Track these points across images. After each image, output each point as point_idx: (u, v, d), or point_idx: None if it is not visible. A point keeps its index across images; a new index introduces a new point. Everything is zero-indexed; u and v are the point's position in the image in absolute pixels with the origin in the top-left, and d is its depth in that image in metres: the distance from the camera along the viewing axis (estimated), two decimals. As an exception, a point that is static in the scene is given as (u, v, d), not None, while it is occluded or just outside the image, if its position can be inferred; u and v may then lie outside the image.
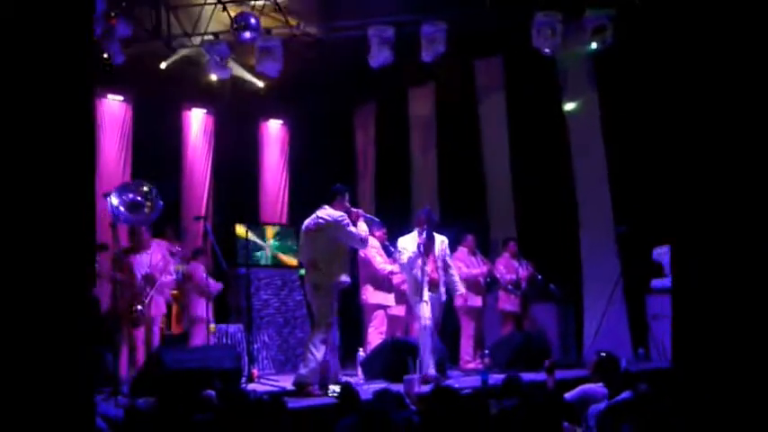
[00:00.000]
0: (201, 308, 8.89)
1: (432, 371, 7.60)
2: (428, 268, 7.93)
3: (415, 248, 7.87)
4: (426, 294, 7.80)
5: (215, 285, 9.27)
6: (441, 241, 8.20)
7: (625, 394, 5.08)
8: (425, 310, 7.77)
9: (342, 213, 7.14)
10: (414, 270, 7.86)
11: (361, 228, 7.24)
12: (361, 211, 7.41)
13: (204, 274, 9.14)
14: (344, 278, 7.15)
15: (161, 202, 7.54)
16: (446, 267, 8.23)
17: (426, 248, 7.94)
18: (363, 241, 7.28)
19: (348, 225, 7.09)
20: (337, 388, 6.14)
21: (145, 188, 7.53)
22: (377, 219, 8.17)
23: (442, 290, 8.16)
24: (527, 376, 6.54)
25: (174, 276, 8.51)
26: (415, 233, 8.05)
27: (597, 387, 5.53)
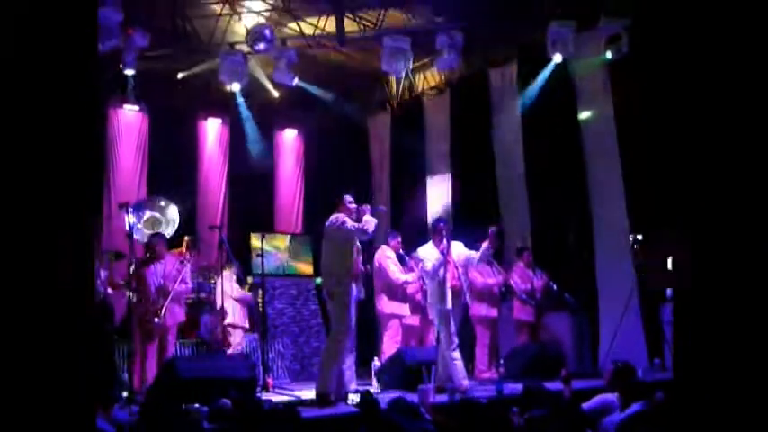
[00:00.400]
0: (239, 316, 9.28)
1: (465, 382, 7.59)
2: (449, 275, 7.85)
3: (438, 256, 7.79)
4: (450, 303, 7.74)
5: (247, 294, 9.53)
6: (457, 246, 8.09)
7: (638, 405, 5.06)
8: (447, 321, 7.72)
9: (336, 215, 7.18)
10: (437, 278, 7.78)
11: (367, 220, 7.18)
12: (366, 206, 7.38)
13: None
14: (355, 289, 7.12)
15: (177, 219, 7.64)
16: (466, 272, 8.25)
17: (446, 255, 7.82)
18: (365, 231, 7.14)
19: (344, 223, 7.07)
20: (356, 397, 6.13)
21: (162, 204, 7.63)
22: (382, 207, 8.30)
23: (466, 298, 8.14)
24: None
25: (190, 285, 8.53)
26: (431, 243, 8.00)
27: (614, 397, 5.50)
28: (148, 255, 8.18)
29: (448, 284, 7.80)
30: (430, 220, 12.41)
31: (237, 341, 9.45)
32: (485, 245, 8.04)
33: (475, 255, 8.11)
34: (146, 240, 8.40)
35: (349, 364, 7.19)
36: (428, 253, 7.92)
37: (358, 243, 7.24)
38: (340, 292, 7.04)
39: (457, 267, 7.99)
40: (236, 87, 10.83)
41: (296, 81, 10.84)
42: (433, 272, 7.81)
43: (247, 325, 9.61)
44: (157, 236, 8.26)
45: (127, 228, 7.85)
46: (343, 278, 7.04)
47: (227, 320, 9.29)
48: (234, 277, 9.27)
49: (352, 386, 7.15)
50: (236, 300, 9.24)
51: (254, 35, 9.73)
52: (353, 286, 7.09)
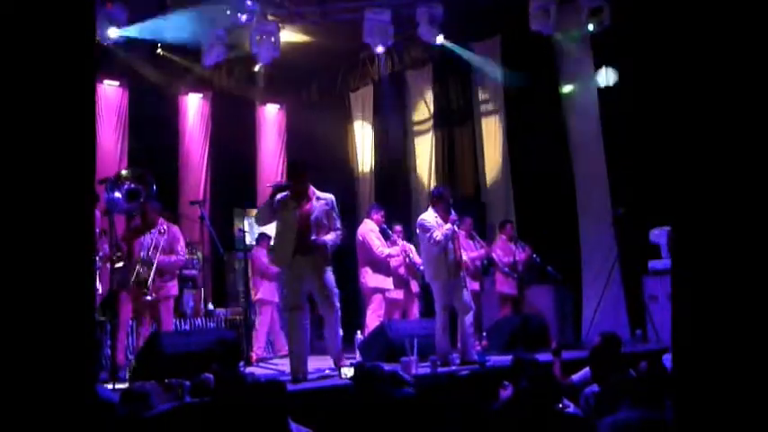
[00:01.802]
0: (267, 290, 9.37)
1: (473, 355, 7.48)
2: (457, 247, 7.62)
3: (448, 225, 7.46)
4: (447, 276, 7.47)
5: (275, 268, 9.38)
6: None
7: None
8: (443, 294, 7.54)
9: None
10: (445, 250, 7.48)
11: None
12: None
13: (265, 259, 9.29)
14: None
15: (155, 186, 7.49)
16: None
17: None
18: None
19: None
20: (350, 371, 6.04)
21: (138, 173, 7.49)
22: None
23: (463, 271, 7.77)
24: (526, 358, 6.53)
25: (183, 257, 8.24)
26: (431, 211, 7.67)
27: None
28: (142, 224, 7.88)
29: (455, 257, 7.55)
30: (413, 193, 12.46)
31: (267, 319, 9.49)
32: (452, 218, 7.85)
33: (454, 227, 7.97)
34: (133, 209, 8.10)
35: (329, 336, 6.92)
36: (434, 221, 7.56)
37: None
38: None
39: (458, 237, 7.71)
40: (215, 63, 10.81)
41: (277, 54, 10.75)
42: (443, 243, 7.47)
43: (277, 299, 9.42)
44: (147, 202, 7.94)
45: (105, 202, 7.69)
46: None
47: (257, 296, 9.31)
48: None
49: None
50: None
51: (235, 7, 9.64)
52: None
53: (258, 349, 9.17)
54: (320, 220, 6.65)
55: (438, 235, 7.43)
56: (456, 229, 7.55)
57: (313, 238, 6.55)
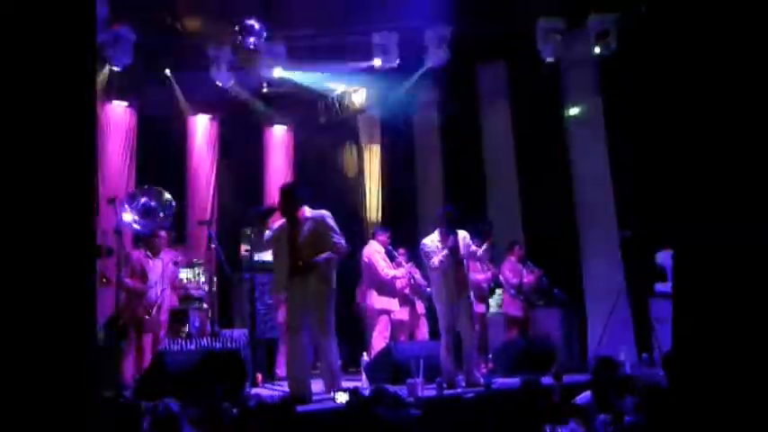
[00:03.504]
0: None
1: (478, 377, 7.54)
2: (455, 269, 7.64)
3: (445, 251, 7.56)
4: (452, 299, 7.55)
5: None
6: (462, 237, 7.79)
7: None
8: (448, 316, 7.61)
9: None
10: (444, 274, 7.61)
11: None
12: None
13: None
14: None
15: (174, 204, 7.60)
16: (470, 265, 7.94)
17: (454, 250, 7.60)
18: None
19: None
20: (344, 396, 6.07)
21: (157, 193, 7.59)
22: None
23: (471, 293, 7.80)
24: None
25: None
26: (436, 233, 7.78)
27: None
28: (150, 248, 8.17)
29: (455, 279, 7.60)
30: (420, 216, 12.45)
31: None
32: (485, 245, 7.99)
33: (478, 251, 8.02)
34: (144, 231, 8.26)
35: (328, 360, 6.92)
36: (434, 246, 7.67)
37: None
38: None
39: (463, 261, 7.72)
40: (223, 84, 10.89)
41: (285, 75, 10.84)
42: (441, 267, 7.59)
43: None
44: (158, 232, 8.16)
45: (117, 222, 7.80)
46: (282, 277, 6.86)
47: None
48: None
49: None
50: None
51: (244, 29, 9.70)
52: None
53: (279, 369, 9.32)
54: (309, 240, 6.69)
55: (435, 261, 7.56)
56: (445, 254, 7.54)
57: (306, 259, 6.62)
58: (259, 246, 6.89)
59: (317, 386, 6.89)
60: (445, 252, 7.57)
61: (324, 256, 6.67)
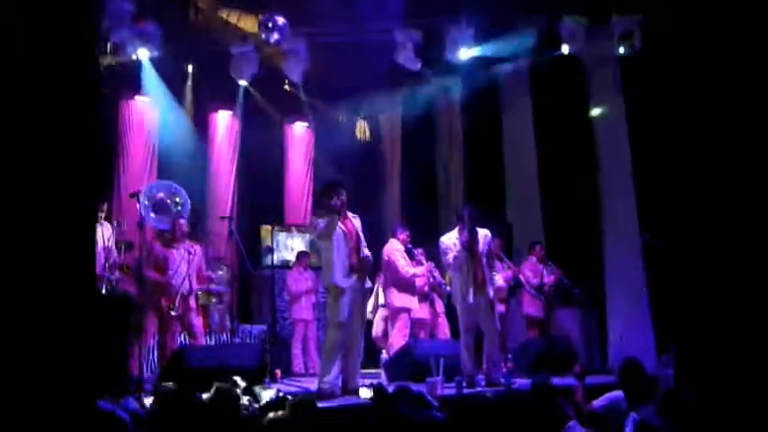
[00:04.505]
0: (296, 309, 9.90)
1: (499, 377, 7.52)
2: (473, 268, 7.61)
3: (458, 247, 7.57)
4: (470, 298, 7.53)
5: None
6: (484, 236, 7.79)
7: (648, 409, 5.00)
8: (466, 315, 7.61)
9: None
10: (459, 271, 7.62)
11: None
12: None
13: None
14: (348, 281, 6.85)
15: (188, 202, 7.60)
16: (490, 263, 7.87)
17: (471, 246, 7.60)
18: (318, 234, 6.93)
19: (315, 227, 6.97)
20: (369, 392, 6.07)
21: (173, 191, 7.62)
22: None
23: (490, 291, 7.73)
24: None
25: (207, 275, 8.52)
26: (455, 232, 7.78)
27: (623, 394, 5.45)
28: (171, 236, 8.14)
29: (470, 278, 7.57)
30: (441, 215, 12.43)
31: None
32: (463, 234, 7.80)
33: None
34: (157, 225, 8.30)
35: (353, 358, 6.99)
36: (451, 243, 7.70)
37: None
38: (329, 287, 6.90)
39: (481, 259, 7.69)
40: (244, 81, 10.94)
41: (307, 72, 10.84)
42: (455, 264, 7.63)
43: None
44: (178, 221, 8.15)
45: (139, 215, 7.84)
46: (330, 272, 6.83)
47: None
48: None
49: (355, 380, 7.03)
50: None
51: (267, 25, 9.70)
52: (347, 279, 6.85)
53: (295, 366, 9.51)
54: (358, 240, 6.98)
55: (450, 257, 7.64)
56: (459, 250, 7.56)
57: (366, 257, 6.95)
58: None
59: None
60: (458, 248, 7.54)
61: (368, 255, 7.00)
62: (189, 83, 11.34)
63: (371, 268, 7.41)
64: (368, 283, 7.27)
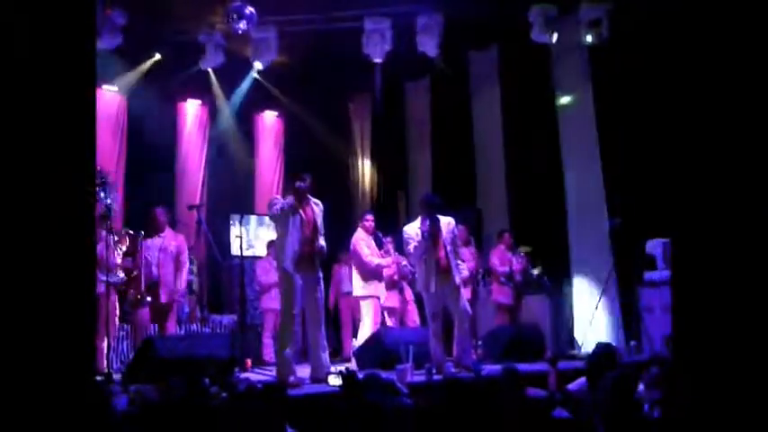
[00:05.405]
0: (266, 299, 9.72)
1: (468, 363, 7.53)
2: (436, 255, 7.60)
3: (418, 236, 7.56)
4: (433, 286, 7.54)
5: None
6: (447, 223, 7.75)
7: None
8: (432, 303, 7.64)
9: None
10: (421, 259, 7.62)
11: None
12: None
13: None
14: (290, 266, 6.76)
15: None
16: (455, 250, 7.84)
17: (432, 235, 7.57)
18: (271, 214, 6.95)
19: (271, 206, 6.91)
20: (337, 379, 6.05)
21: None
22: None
23: (456, 278, 7.68)
24: (521, 367, 6.52)
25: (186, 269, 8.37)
26: (418, 221, 7.77)
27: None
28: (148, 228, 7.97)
29: (433, 265, 7.56)
30: (411, 201, 12.46)
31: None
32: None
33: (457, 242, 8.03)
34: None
35: (319, 346, 6.95)
36: (413, 233, 7.69)
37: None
38: (281, 275, 6.89)
39: (445, 246, 7.69)
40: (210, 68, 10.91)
41: (275, 60, 10.79)
42: (415, 253, 7.65)
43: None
44: (156, 210, 8.05)
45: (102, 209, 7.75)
46: (281, 259, 6.84)
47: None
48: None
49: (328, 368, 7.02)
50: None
51: (234, 13, 9.62)
52: (296, 266, 6.81)
53: (266, 355, 9.45)
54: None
55: (410, 248, 7.65)
56: (419, 240, 7.55)
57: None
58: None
59: (303, 372, 6.96)
60: (418, 238, 7.57)
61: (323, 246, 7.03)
62: (156, 72, 11.22)
63: (325, 259, 7.33)
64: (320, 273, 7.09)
